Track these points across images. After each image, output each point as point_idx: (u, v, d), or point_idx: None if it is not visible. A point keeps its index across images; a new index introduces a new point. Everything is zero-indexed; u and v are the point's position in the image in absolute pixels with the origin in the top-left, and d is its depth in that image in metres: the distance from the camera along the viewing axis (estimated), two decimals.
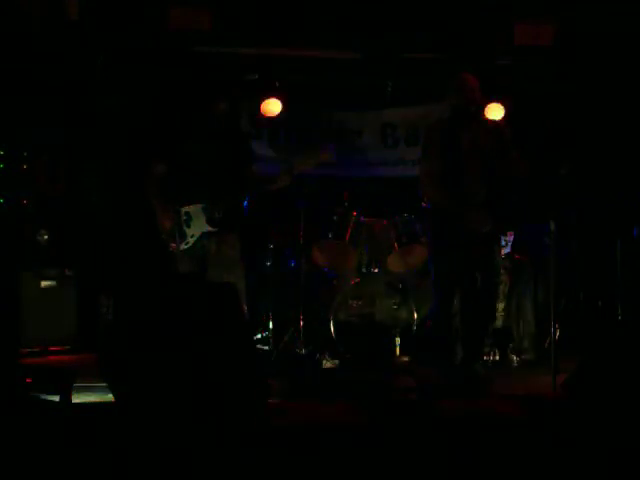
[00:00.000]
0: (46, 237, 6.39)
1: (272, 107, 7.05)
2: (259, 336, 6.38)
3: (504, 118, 6.73)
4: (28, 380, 4.67)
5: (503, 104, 6.89)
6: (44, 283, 6.33)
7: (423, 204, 6.52)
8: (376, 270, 6.48)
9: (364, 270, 6.51)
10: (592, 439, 3.88)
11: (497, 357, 6.13)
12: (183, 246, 5.11)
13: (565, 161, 5.28)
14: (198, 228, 5.11)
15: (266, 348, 6.21)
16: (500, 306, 6.24)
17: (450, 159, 5.06)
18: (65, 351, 6.18)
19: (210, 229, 5.10)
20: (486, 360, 6.00)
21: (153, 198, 5.16)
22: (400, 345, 6.16)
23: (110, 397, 4.18)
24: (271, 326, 6.29)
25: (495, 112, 6.84)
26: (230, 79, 6.77)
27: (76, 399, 4.45)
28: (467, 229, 5.02)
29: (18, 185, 6.52)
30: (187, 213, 5.12)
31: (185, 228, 5.12)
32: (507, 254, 6.35)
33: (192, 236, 5.11)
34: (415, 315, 6.21)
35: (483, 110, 5.38)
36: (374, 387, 4.68)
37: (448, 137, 5.10)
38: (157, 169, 5.17)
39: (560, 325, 5.87)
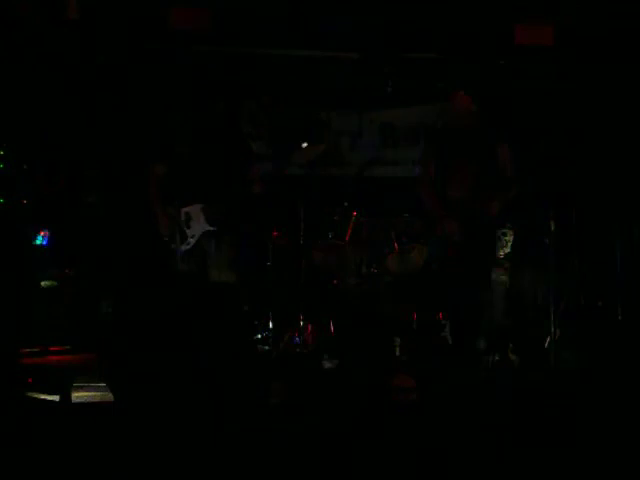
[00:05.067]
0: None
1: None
2: (259, 336, 6.37)
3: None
4: (28, 380, 4.67)
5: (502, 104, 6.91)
6: (44, 283, 6.33)
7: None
8: (376, 270, 6.47)
9: (364, 270, 6.50)
10: (592, 437, 3.88)
11: (497, 357, 6.12)
12: (184, 247, 5.10)
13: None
14: (198, 228, 5.10)
15: (266, 348, 6.21)
16: (500, 306, 6.23)
17: (439, 168, 5.29)
18: (65, 351, 6.17)
19: (210, 229, 5.10)
20: (486, 360, 6.00)
21: (153, 199, 5.15)
22: (400, 345, 6.15)
23: (110, 397, 4.18)
24: (271, 326, 6.29)
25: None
26: (230, 79, 6.78)
27: (76, 399, 4.45)
28: (439, 232, 5.19)
29: (18, 185, 6.51)
30: (187, 214, 5.11)
31: (185, 229, 5.11)
32: (507, 254, 6.35)
33: (192, 236, 5.10)
34: (415, 315, 6.20)
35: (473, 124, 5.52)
36: (374, 387, 4.67)
37: (439, 146, 5.29)
38: (157, 169, 5.17)
39: (560, 325, 5.87)
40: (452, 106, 5.35)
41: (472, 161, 5.16)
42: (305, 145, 5.16)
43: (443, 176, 5.28)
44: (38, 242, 6.53)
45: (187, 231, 5.11)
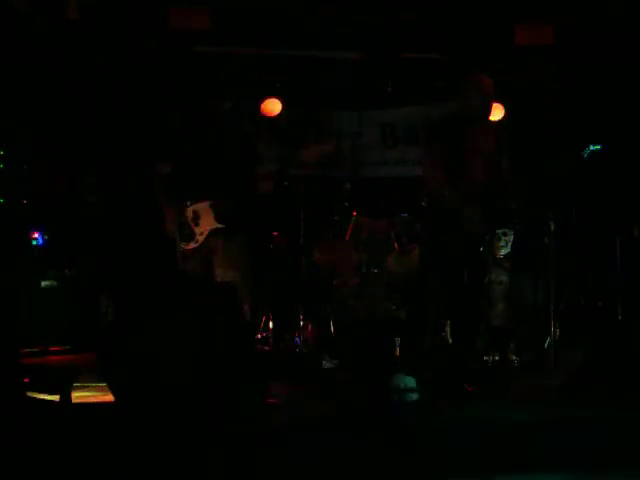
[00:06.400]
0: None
1: (272, 107, 7.08)
2: (259, 336, 6.38)
3: (502, 119, 6.76)
4: (27, 380, 4.67)
5: (502, 105, 6.92)
6: (44, 283, 6.34)
7: (423, 204, 6.51)
8: (376, 270, 6.48)
9: (364, 270, 6.51)
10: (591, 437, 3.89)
11: (497, 357, 6.13)
12: (192, 244, 5.10)
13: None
14: (207, 225, 5.10)
15: (266, 348, 6.21)
16: (500, 306, 6.24)
17: (453, 157, 4.98)
18: (65, 351, 6.18)
19: (219, 226, 5.10)
20: (486, 360, 6.00)
21: (159, 197, 5.15)
22: (400, 345, 6.16)
23: (110, 397, 4.18)
24: (271, 326, 6.29)
25: (495, 113, 6.85)
26: (230, 79, 6.79)
27: (76, 399, 4.45)
28: (463, 226, 4.96)
29: (18, 185, 6.52)
30: (195, 212, 5.11)
31: (194, 226, 5.11)
32: (507, 254, 6.35)
33: (201, 234, 5.10)
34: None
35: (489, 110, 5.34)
36: (374, 387, 4.67)
37: (453, 134, 5.05)
38: (160, 169, 5.17)
39: (560, 325, 5.87)
40: (473, 87, 5.03)
41: (479, 156, 5.01)
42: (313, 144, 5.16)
43: (453, 168, 5.01)
44: (34, 243, 6.55)
45: (195, 229, 5.10)
